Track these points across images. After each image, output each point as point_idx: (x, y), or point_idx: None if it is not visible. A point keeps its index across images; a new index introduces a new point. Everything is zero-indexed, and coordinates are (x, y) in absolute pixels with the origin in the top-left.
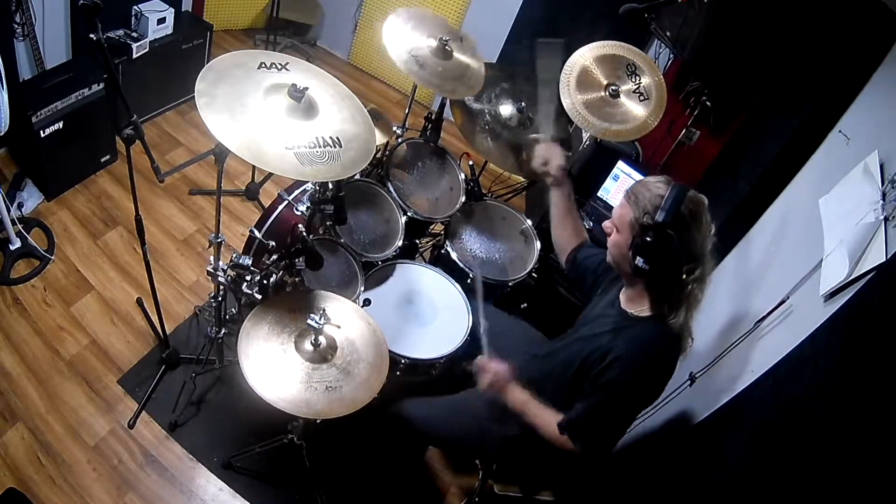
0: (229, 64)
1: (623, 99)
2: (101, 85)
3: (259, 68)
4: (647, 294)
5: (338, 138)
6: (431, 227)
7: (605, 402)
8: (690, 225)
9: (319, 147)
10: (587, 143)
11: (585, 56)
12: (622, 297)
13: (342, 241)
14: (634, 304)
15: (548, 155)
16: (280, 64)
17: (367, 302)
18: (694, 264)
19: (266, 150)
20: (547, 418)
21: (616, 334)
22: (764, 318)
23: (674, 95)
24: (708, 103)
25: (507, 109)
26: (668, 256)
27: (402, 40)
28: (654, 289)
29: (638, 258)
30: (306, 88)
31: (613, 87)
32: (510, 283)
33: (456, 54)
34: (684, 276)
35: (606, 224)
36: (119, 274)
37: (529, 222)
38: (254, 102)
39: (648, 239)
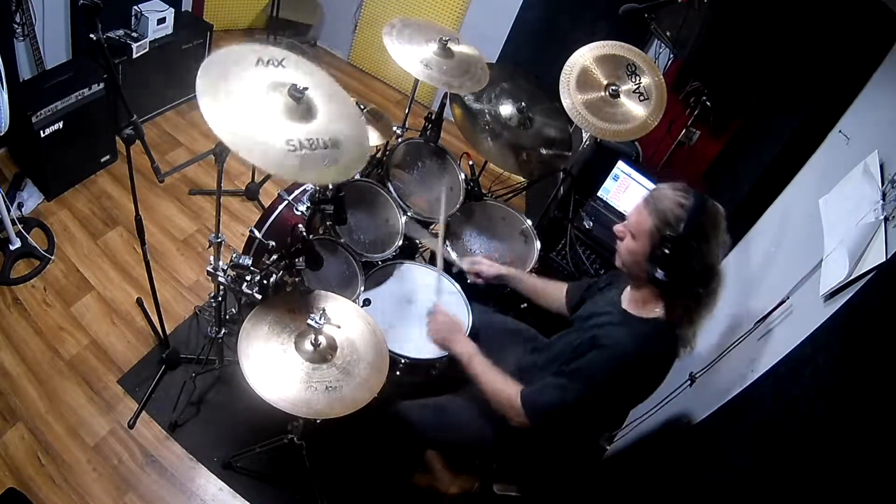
0: (226, 61)
1: (623, 99)
2: (101, 85)
3: (257, 65)
4: (658, 301)
5: (335, 140)
6: (432, 227)
7: (572, 386)
8: (710, 237)
9: (319, 149)
10: (587, 143)
11: (585, 56)
12: (625, 297)
13: (342, 241)
14: (638, 307)
15: (475, 270)
16: (277, 60)
17: (366, 302)
18: (710, 275)
19: (269, 151)
20: (501, 382)
21: (611, 329)
22: (764, 318)
23: (674, 95)
24: (708, 103)
25: (507, 109)
26: (687, 268)
27: (406, 50)
28: (668, 297)
29: (658, 270)
30: (306, 88)
31: (613, 87)
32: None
33: (456, 52)
34: (700, 289)
35: (619, 228)
36: (119, 274)
37: (529, 222)
38: (254, 101)
39: (667, 251)
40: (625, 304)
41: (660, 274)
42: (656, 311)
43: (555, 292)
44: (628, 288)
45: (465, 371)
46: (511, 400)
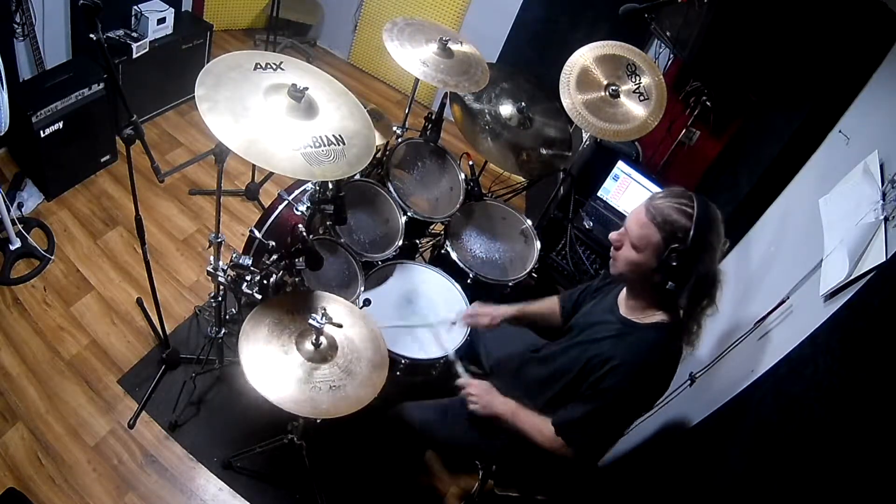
0: (225, 67)
1: (623, 99)
2: (101, 85)
3: (255, 69)
4: (659, 306)
5: (340, 136)
6: (431, 227)
7: (604, 409)
8: (714, 245)
9: (325, 146)
10: (587, 143)
11: (585, 56)
12: (621, 304)
13: (342, 241)
14: (636, 313)
15: (474, 324)
16: (275, 64)
17: (367, 302)
18: (713, 280)
19: (274, 153)
20: (538, 422)
21: (618, 341)
22: (764, 318)
23: (674, 95)
24: (708, 103)
25: (507, 109)
26: (695, 277)
27: (405, 49)
28: (671, 303)
29: (669, 283)
30: (306, 88)
31: (613, 87)
32: (510, 283)
33: (456, 52)
34: (706, 294)
35: (614, 237)
36: (119, 274)
37: (529, 222)
38: (255, 105)
39: (675, 264)
40: (623, 311)
41: (670, 286)
42: (657, 315)
43: (551, 310)
44: (623, 292)
45: (510, 427)
46: (554, 443)
